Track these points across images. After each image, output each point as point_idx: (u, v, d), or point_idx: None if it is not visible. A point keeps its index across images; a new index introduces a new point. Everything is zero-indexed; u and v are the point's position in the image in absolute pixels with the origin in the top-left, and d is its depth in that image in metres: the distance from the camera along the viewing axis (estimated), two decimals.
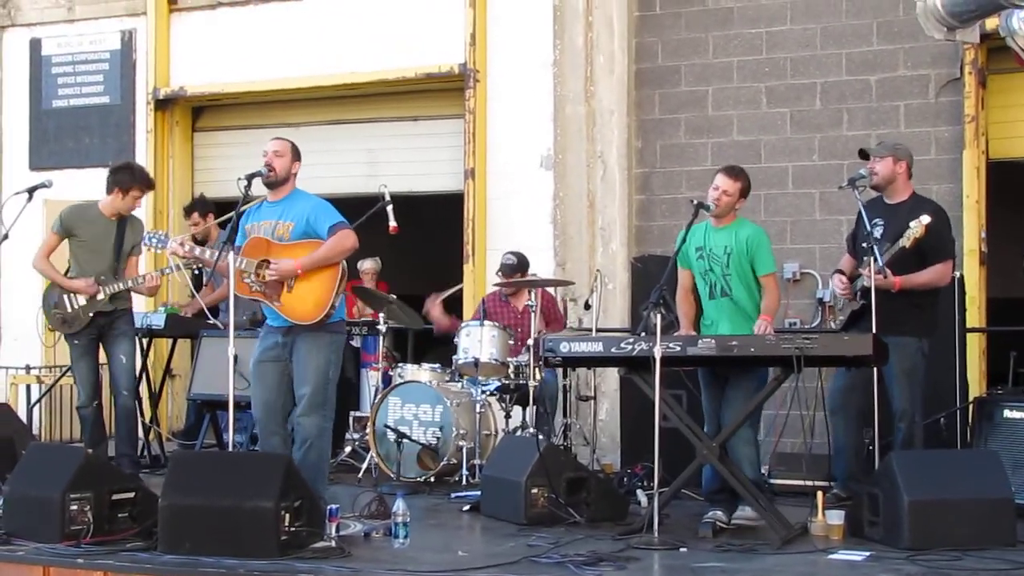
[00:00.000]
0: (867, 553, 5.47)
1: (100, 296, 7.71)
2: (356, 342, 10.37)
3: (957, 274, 7.57)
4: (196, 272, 8.06)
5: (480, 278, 9.99)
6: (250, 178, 6.34)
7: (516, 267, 8.70)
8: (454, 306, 10.03)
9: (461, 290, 9.78)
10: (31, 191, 7.15)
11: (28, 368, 10.49)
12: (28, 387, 10.30)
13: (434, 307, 8.91)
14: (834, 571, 5.22)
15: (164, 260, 9.85)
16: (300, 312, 6.29)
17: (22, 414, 9.22)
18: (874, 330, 6.35)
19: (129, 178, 7.80)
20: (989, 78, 9.06)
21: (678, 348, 5.96)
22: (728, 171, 6.53)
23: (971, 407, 7.56)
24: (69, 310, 7.73)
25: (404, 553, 5.56)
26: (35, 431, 9.37)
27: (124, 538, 5.67)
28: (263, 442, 6.52)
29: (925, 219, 6.53)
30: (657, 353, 5.76)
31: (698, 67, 9.82)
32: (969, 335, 8.12)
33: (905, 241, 6.55)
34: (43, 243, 7.87)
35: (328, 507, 5.66)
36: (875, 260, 6.56)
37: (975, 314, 8.58)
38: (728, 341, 5.97)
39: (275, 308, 6.33)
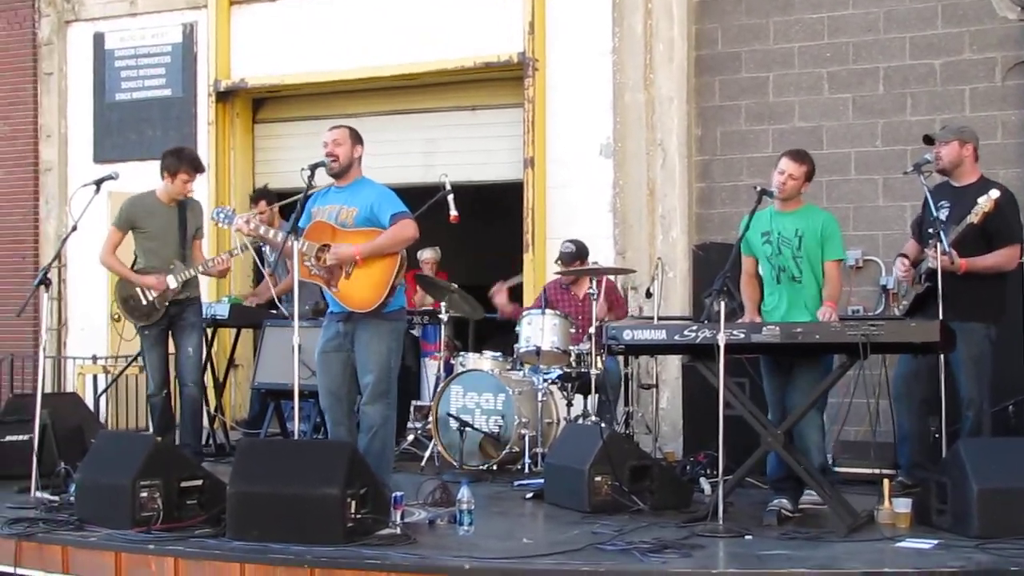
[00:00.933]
0: (935, 541, 5.41)
1: (172, 285, 7.79)
2: (416, 331, 10.42)
3: None
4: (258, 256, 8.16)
5: (540, 267, 9.99)
6: (313, 168, 6.38)
7: (575, 255, 8.69)
8: (516, 295, 10.05)
9: (522, 283, 9.78)
10: (99, 183, 7.22)
11: (95, 358, 10.65)
12: (95, 377, 10.44)
13: (500, 294, 8.91)
14: (902, 559, 5.16)
15: (228, 242, 10.03)
16: (357, 299, 6.34)
17: (89, 403, 9.35)
18: (940, 316, 6.28)
19: (176, 161, 7.86)
20: None
21: (742, 335, 5.92)
22: (793, 155, 6.49)
23: None
24: (144, 303, 7.81)
25: (469, 540, 5.58)
26: (102, 421, 9.49)
27: (193, 525, 5.74)
28: (331, 431, 6.58)
29: (995, 193, 6.44)
30: (721, 340, 5.73)
31: (759, 53, 9.75)
32: None
33: (973, 217, 6.45)
34: (107, 239, 7.94)
35: (393, 495, 5.70)
36: (941, 242, 6.47)
37: None
38: (793, 328, 5.92)
39: (332, 294, 6.38)
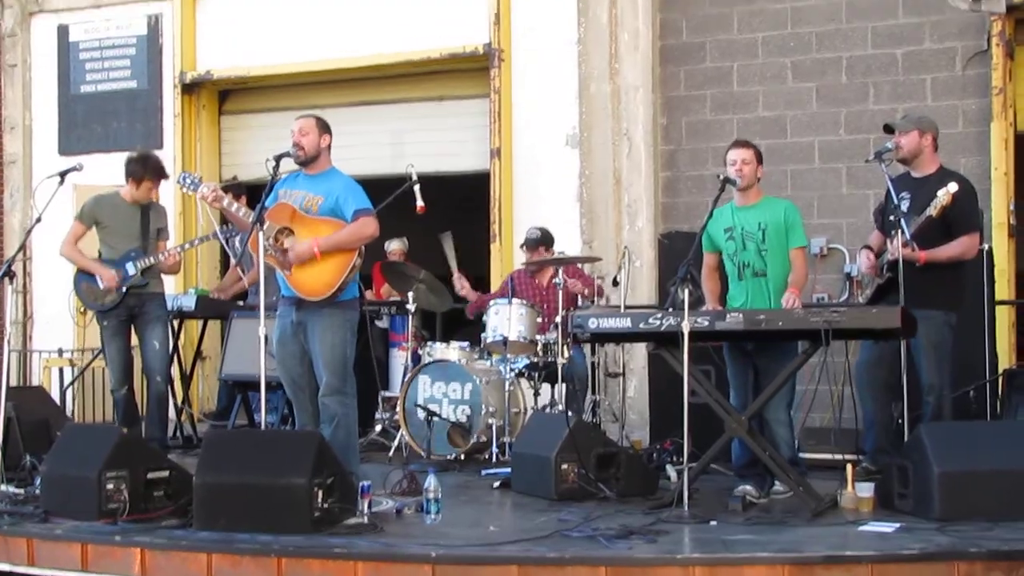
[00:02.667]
0: (897, 524, 5.47)
1: (132, 272, 7.80)
2: (384, 322, 10.42)
3: (985, 247, 7.54)
4: (224, 240, 8.17)
5: (508, 257, 10.02)
6: (278, 159, 6.38)
7: (540, 240, 8.72)
8: (478, 286, 10.06)
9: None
10: (63, 175, 7.19)
11: (60, 351, 10.60)
12: (61, 370, 10.40)
13: (463, 287, 8.91)
14: (865, 542, 5.22)
15: (193, 235, 10.03)
16: (308, 287, 6.36)
17: (55, 397, 9.31)
18: (901, 303, 6.34)
19: (140, 169, 7.94)
20: (1017, 49, 9.04)
21: (706, 323, 5.97)
22: (736, 144, 6.64)
23: (1001, 379, 7.57)
24: (100, 287, 7.83)
25: (436, 528, 5.61)
26: (68, 414, 9.47)
27: (160, 516, 5.75)
28: (297, 418, 6.63)
29: (952, 187, 6.50)
30: (685, 328, 5.78)
31: (723, 43, 9.81)
32: (998, 308, 8.11)
33: (932, 210, 6.51)
34: (69, 231, 8.00)
35: (360, 484, 5.72)
36: (902, 233, 6.53)
37: (1004, 287, 8.58)
38: (756, 315, 5.97)
39: (285, 277, 6.40)
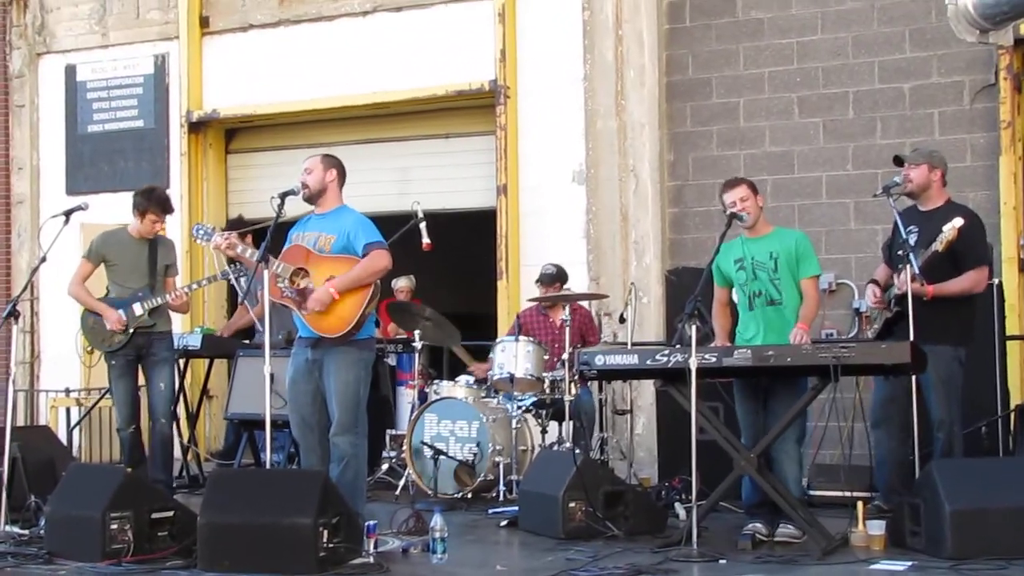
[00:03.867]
0: (909, 563, 5.42)
1: (139, 312, 7.77)
2: (391, 360, 10.39)
3: (995, 281, 7.50)
4: (231, 280, 8.14)
5: (514, 294, 9.99)
6: (283, 196, 6.39)
7: (555, 276, 8.71)
8: (485, 323, 10.06)
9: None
10: (68, 214, 7.20)
11: (68, 391, 10.58)
12: (68, 410, 10.38)
13: (480, 370, 8.86)
14: None
15: (200, 274, 10.03)
16: (326, 325, 6.32)
17: (62, 436, 9.29)
18: (911, 337, 6.29)
19: (144, 201, 7.90)
20: None
21: (714, 359, 5.94)
22: (728, 186, 6.58)
23: (1012, 415, 7.50)
24: (107, 327, 7.79)
25: (442, 568, 5.57)
26: (75, 453, 9.43)
27: (164, 556, 5.72)
28: (304, 459, 6.56)
29: (958, 222, 6.47)
30: (693, 364, 5.74)
31: (729, 79, 9.80)
32: (1010, 343, 8.03)
33: (938, 245, 6.48)
34: (77, 270, 7.97)
35: (366, 524, 5.67)
36: (910, 266, 6.49)
37: (1015, 322, 8.49)
38: (764, 351, 5.94)
39: (302, 316, 6.37)
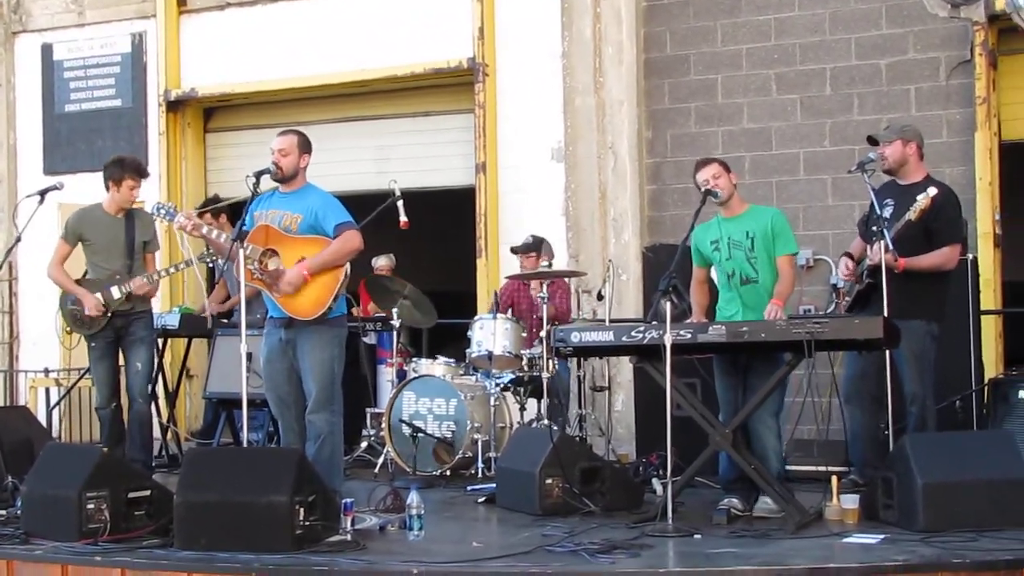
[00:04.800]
0: (882, 536, 5.45)
1: (116, 296, 7.73)
2: (371, 339, 10.39)
3: (970, 256, 7.53)
4: (209, 264, 8.10)
5: (493, 272, 10.00)
6: (259, 175, 6.38)
7: (531, 246, 8.69)
8: (464, 301, 10.05)
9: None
10: (42, 193, 7.18)
11: (47, 371, 10.57)
12: (47, 390, 10.37)
13: None
14: (848, 554, 5.20)
15: (179, 256, 9.97)
16: (298, 307, 6.33)
17: (41, 417, 9.28)
18: (885, 312, 6.32)
19: (119, 170, 7.81)
20: (1000, 59, 9.05)
21: (688, 335, 5.95)
22: (700, 165, 6.59)
23: (986, 389, 7.54)
24: (86, 311, 7.76)
25: (419, 545, 5.58)
26: (54, 434, 9.43)
27: (141, 535, 5.69)
28: (283, 438, 6.60)
29: (932, 191, 6.49)
30: (667, 341, 5.76)
31: (707, 55, 9.81)
32: (984, 318, 8.07)
33: (911, 214, 6.48)
34: (55, 252, 7.89)
35: (343, 501, 5.68)
36: (883, 239, 6.50)
37: (990, 296, 8.55)
38: (738, 327, 5.95)
39: (274, 299, 6.36)
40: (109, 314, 7.76)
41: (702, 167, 6.54)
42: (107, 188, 7.84)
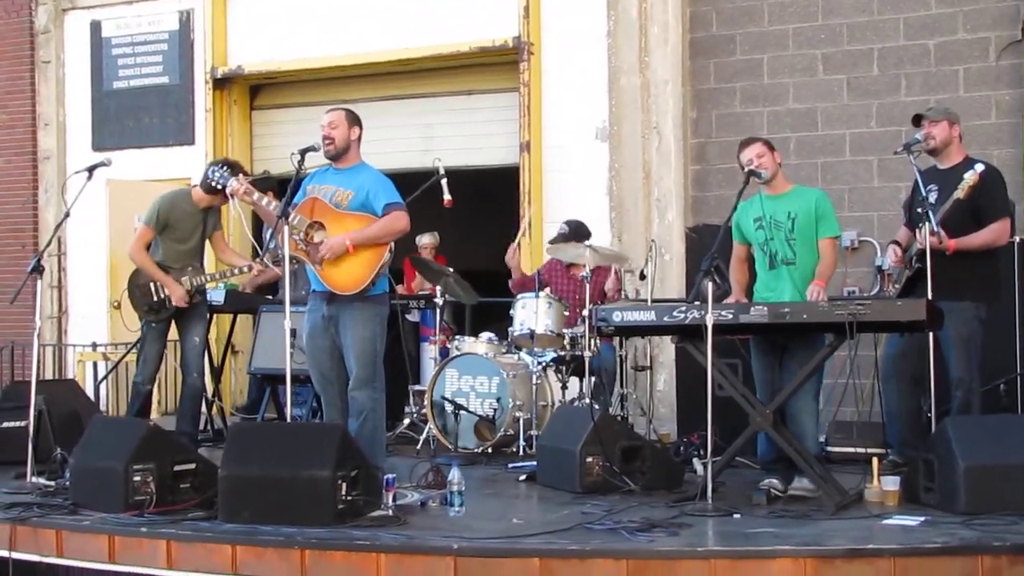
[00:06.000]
0: (922, 518, 5.44)
1: (187, 287, 7.83)
2: (415, 316, 10.44)
3: (1017, 239, 7.47)
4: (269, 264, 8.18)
5: (537, 250, 10.01)
6: (303, 152, 6.41)
7: (568, 236, 8.68)
8: (508, 280, 10.05)
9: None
10: (91, 170, 7.22)
11: (95, 346, 10.69)
12: (95, 364, 10.49)
13: (514, 256, 8.80)
14: (888, 535, 5.19)
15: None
16: (339, 282, 6.37)
17: (89, 391, 9.40)
18: (929, 295, 6.28)
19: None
20: None
21: (730, 316, 5.95)
22: (744, 144, 6.58)
23: None
24: (154, 299, 7.84)
25: (459, 521, 5.62)
26: (101, 407, 9.54)
27: (186, 508, 5.79)
28: (326, 413, 6.66)
29: (979, 167, 6.43)
30: (709, 321, 5.76)
31: (753, 35, 9.76)
32: None
33: (960, 192, 6.41)
34: (139, 235, 7.91)
35: (384, 477, 5.73)
36: (930, 223, 6.45)
37: None
38: (780, 308, 5.94)
39: (316, 272, 6.42)
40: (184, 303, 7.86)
41: (746, 147, 6.53)
42: (207, 191, 7.81)
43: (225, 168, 6.94)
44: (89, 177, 7.14)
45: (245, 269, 8.19)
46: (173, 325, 8.05)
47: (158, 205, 7.90)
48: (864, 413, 7.54)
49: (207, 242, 8.15)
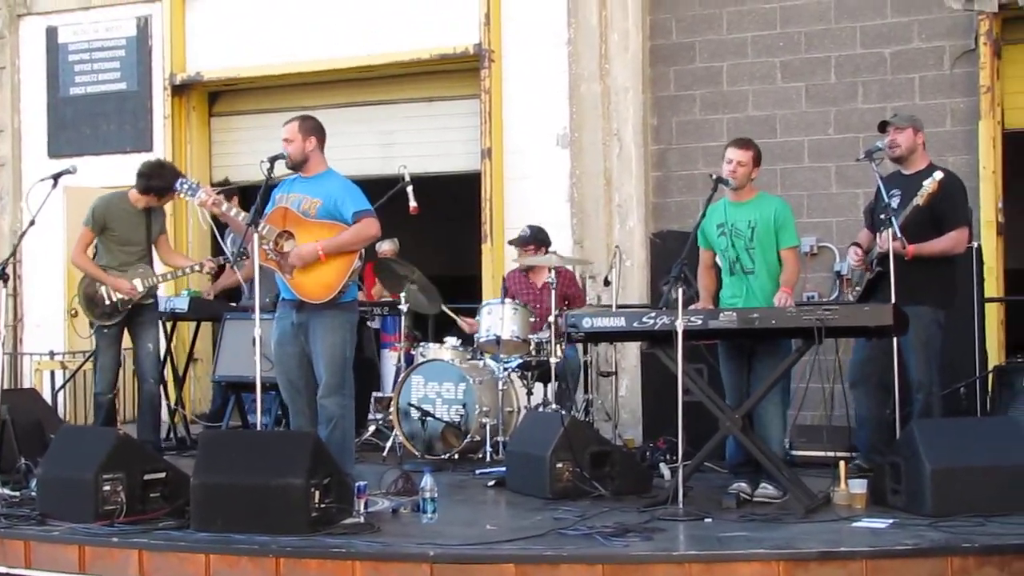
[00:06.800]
0: (890, 520, 5.52)
1: (140, 289, 7.82)
2: (375, 323, 10.43)
3: (975, 244, 7.59)
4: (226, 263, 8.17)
5: (499, 257, 10.05)
6: (272, 160, 6.41)
7: (528, 239, 8.74)
8: (470, 286, 10.10)
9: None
10: (56, 177, 7.18)
11: (52, 354, 10.59)
12: (52, 373, 10.39)
13: (472, 326, 8.88)
14: (858, 538, 5.26)
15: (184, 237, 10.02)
16: (309, 290, 6.37)
17: (47, 399, 9.30)
18: (893, 299, 6.37)
19: (165, 184, 7.80)
20: (1004, 48, 9.11)
21: (699, 321, 6.00)
22: (738, 143, 6.62)
23: (991, 376, 7.61)
24: (107, 302, 7.84)
25: (433, 528, 5.63)
26: (60, 416, 9.45)
27: (157, 517, 5.75)
28: (293, 421, 6.64)
29: (938, 175, 6.52)
30: (679, 327, 5.81)
31: (712, 43, 9.86)
32: (988, 305, 8.15)
33: (919, 199, 6.52)
34: (79, 238, 7.97)
35: (356, 484, 5.73)
36: (892, 227, 6.54)
37: (993, 284, 8.63)
38: (749, 314, 6.00)
39: (285, 280, 6.41)
40: (129, 306, 7.84)
41: (738, 147, 6.56)
42: (145, 192, 7.88)
43: (194, 181, 6.88)
44: (54, 185, 7.11)
45: (197, 268, 8.18)
46: (126, 332, 8.03)
47: (93, 206, 7.96)
48: (826, 417, 7.63)
49: (153, 248, 8.13)
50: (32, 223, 7.08)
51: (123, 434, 6.18)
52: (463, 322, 8.91)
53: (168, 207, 10.38)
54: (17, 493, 6.46)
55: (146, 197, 7.94)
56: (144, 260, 8.02)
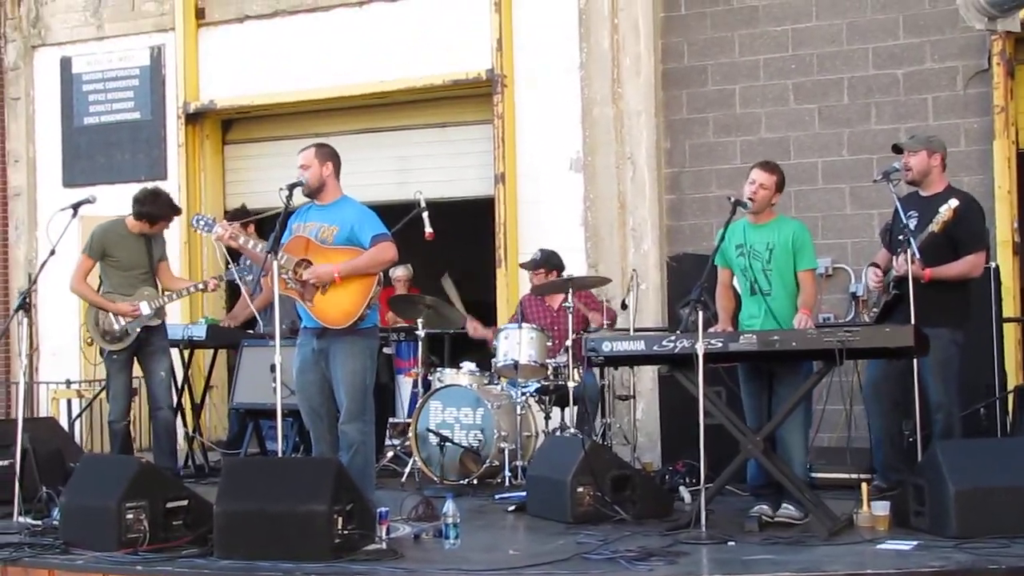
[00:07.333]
0: (915, 542, 5.50)
1: (146, 311, 7.86)
2: (390, 349, 10.43)
3: (992, 265, 7.58)
4: (233, 280, 8.18)
5: (513, 282, 10.06)
6: (291, 188, 6.43)
7: (539, 262, 8.76)
8: (485, 311, 10.09)
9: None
10: (76, 207, 7.23)
11: (68, 383, 10.60)
12: (69, 401, 10.41)
13: (476, 330, 8.93)
14: (883, 561, 5.25)
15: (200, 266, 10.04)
16: (330, 316, 6.38)
17: (64, 428, 9.31)
18: (912, 321, 6.37)
19: (157, 212, 8.03)
20: (1017, 68, 9.12)
21: (720, 344, 6.01)
22: (763, 165, 6.60)
23: (1011, 396, 7.59)
24: (115, 327, 7.89)
25: (455, 553, 5.63)
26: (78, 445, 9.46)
27: (180, 545, 5.75)
28: (314, 448, 6.66)
29: (953, 202, 6.51)
30: (700, 350, 5.81)
31: (725, 66, 9.88)
32: (1006, 325, 8.13)
33: (934, 226, 6.52)
34: (78, 266, 8.06)
35: (377, 510, 5.73)
36: (910, 249, 6.54)
37: (1010, 303, 8.59)
38: (769, 336, 6.01)
39: (307, 308, 6.42)
40: (139, 329, 7.87)
41: (762, 170, 6.55)
42: (138, 218, 7.98)
43: (209, 217, 6.90)
44: (74, 215, 7.14)
45: (201, 287, 8.24)
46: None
47: (92, 233, 8.08)
48: (844, 439, 7.62)
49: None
50: (52, 253, 7.11)
51: (145, 462, 6.22)
52: (470, 322, 8.88)
53: (182, 234, 10.56)
54: (40, 522, 6.46)
55: (139, 223, 8.02)
56: (148, 283, 8.09)
